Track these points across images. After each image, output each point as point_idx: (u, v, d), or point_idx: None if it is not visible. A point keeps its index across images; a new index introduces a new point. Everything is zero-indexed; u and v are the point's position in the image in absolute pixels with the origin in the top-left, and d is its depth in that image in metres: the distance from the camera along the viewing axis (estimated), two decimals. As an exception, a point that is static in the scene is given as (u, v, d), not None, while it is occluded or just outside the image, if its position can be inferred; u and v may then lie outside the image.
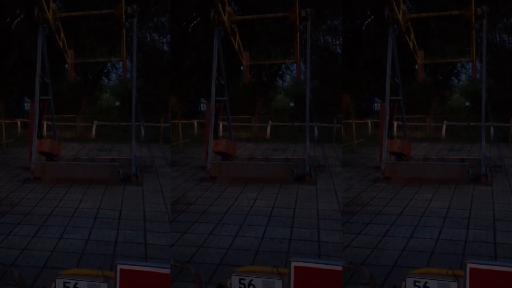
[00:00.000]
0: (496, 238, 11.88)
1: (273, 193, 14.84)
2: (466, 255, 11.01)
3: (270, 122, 17.26)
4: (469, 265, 8.25)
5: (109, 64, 16.16)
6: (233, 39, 15.78)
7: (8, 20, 16.46)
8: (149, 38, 16.20)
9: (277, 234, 12.37)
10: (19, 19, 16.54)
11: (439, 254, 11.18)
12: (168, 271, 8.75)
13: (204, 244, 12.00)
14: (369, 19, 16.84)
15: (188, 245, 12.03)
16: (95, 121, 16.75)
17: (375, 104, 17.42)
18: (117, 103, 16.43)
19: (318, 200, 14.30)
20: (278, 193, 14.85)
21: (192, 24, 16.84)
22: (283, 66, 16.89)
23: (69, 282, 8.74)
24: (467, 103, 17.43)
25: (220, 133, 16.74)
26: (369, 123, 17.25)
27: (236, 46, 15.90)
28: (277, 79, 17.22)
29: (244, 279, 8.71)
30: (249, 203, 14.15)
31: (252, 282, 8.67)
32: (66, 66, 16.33)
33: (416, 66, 16.76)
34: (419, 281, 8.43)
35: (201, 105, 16.53)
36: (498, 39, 16.34)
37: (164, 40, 16.07)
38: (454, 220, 12.85)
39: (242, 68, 16.95)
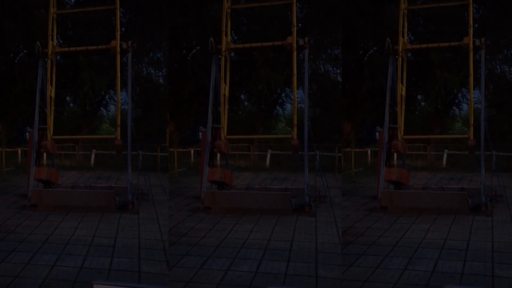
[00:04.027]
0: (494, 270, 11.65)
1: (270, 224, 14.46)
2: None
3: (269, 151, 17.08)
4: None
5: (107, 96, 16.39)
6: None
7: (12, 54, 17.07)
8: (145, 72, 16.39)
9: (272, 268, 12.15)
10: (22, 53, 17.12)
11: (433, 288, 11.00)
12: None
13: (193, 279, 11.80)
14: (371, 50, 16.86)
15: (176, 280, 11.84)
16: (93, 150, 16.78)
17: (376, 133, 17.32)
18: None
19: (317, 232, 14.00)
20: (275, 224, 14.47)
21: (192, 52, 16.91)
22: (283, 95, 16.84)
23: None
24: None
25: (218, 161, 16.58)
26: (369, 152, 17.10)
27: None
28: (277, 107, 17.15)
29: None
30: (244, 235, 13.81)
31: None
32: (68, 98, 16.96)
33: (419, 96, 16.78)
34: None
35: (199, 133, 16.44)
36: (498, 70, 16.27)
37: (160, 74, 16.24)
38: (451, 251, 12.62)
39: (242, 96, 16.97)
